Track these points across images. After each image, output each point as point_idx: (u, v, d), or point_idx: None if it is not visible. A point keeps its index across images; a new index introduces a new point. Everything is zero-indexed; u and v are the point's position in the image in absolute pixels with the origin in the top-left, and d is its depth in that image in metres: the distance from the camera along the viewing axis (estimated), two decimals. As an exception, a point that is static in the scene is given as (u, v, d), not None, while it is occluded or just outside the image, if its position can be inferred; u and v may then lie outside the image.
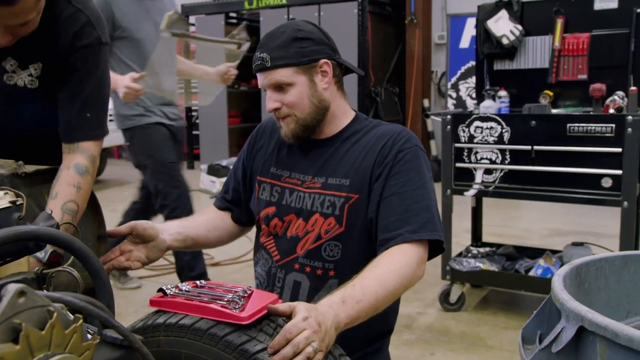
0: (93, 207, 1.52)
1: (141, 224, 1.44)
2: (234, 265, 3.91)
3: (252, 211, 1.58)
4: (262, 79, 1.42)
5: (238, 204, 1.63)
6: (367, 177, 1.39)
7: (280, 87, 1.40)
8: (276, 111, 1.43)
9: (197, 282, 1.21)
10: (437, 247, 1.36)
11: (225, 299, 1.12)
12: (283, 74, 1.39)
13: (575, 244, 3.15)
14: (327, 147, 1.47)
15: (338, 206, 1.39)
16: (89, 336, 0.73)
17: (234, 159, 3.91)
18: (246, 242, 1.48)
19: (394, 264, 1.25)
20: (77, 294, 0.77)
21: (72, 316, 0.68)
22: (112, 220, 5.03)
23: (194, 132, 8.44)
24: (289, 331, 1.00)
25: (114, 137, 8.36)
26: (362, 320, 1.19)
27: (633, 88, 2.73)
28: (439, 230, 1.34)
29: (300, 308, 1.04)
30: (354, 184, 1.40)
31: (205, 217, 1.63)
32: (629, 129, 2.51)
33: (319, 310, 1.07)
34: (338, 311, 1.11)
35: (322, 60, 1.42)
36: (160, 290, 1.18)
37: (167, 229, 1.49)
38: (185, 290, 1.18)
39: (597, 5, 3.03)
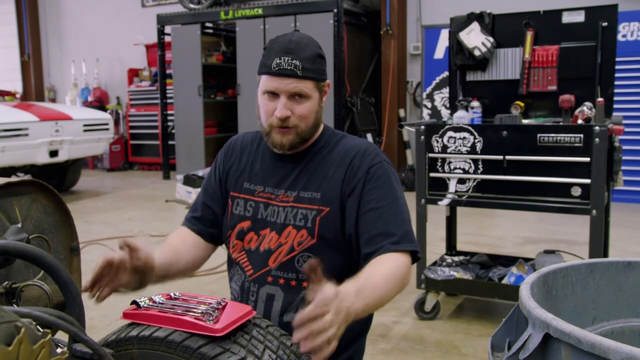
0: (65, 219, 1.50)
1: (146, 251, 1.30)
2: (211, 276, 3.89)
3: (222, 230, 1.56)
4: (283, 84, 1.39)
5: (214, 224, 1.58)
6: (338, 191, 1.43)
7: (294, 97, 1.41)
8: (285, 120, 1.41)
9: (171, 294, 1.21)
10: (413, 257, 1.41)
11: (199, 311, 1.12)
12: (308, 86, 1.41)
13: (547, 252, 3.21)
14: (299, 161, 1.50)
15: (310, 219, 1.43)
16: (59, 350, 0.72)
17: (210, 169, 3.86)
18: (222, 253, 1.47)
19: (395, 266, 1.31)
20: (46, 309, 0.76)
21: (40, 331, 0.68)
22: (85, 232, 4.96)
23: (170, 142, 8.39)
24: (322, 305, 1.00)
25: (89, 147, 8.15)
26: (364, 315, 1.19)
27: (600, 99, 2.80)
28: (414, 241, 1.40)
29: (331, 290, 1.04)
30: (325, 197, 1.44)
31: (186, 249, 1.53)
32: (597, 139, 2.57)
33: (341, 296, 1.06)
34: (354, 303, 1.11)
35: (328, 81, 1.48)
36: (134, 302, 1.17)
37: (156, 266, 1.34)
38: (159, 303, 1.18)
39: (565, 19, 3.11)
